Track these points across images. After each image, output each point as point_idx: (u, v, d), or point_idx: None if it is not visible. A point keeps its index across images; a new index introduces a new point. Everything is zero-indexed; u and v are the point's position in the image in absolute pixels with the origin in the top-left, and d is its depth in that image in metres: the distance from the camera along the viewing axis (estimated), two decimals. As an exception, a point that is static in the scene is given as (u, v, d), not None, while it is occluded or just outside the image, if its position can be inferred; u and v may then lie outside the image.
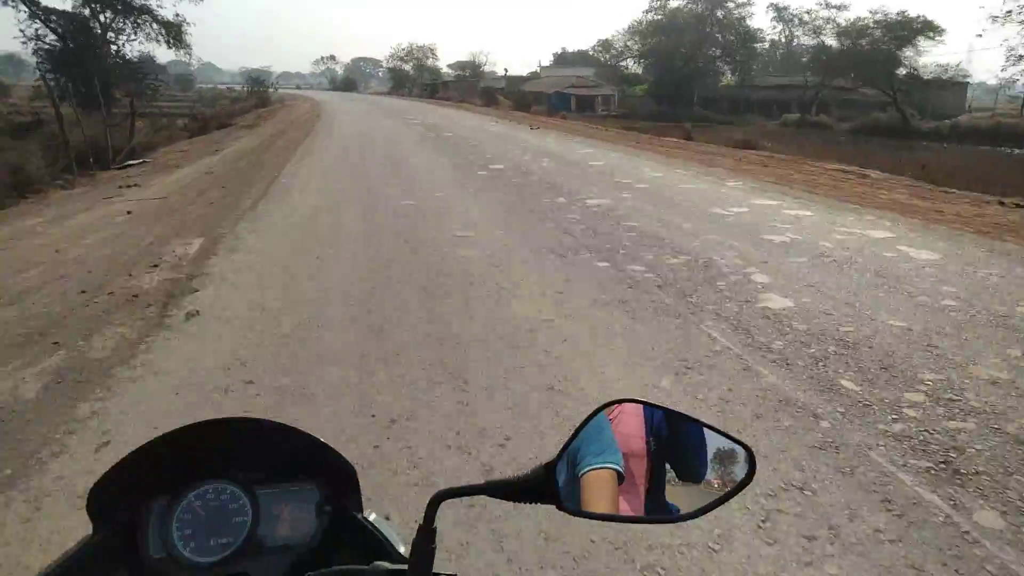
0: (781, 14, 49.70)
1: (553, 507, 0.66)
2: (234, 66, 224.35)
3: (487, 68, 66.96)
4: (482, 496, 0.64)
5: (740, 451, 0.66)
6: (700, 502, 0.64)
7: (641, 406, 0.69)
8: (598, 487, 0.65)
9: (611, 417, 0.69)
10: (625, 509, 0.65)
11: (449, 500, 0.64)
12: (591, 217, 7.57)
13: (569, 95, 56.52)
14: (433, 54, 74.41)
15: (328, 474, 0.73)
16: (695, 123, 42.95)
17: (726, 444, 0.67)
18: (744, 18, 49.27)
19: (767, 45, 48.85)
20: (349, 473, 0.73)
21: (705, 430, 0.68)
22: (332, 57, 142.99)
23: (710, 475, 0.66)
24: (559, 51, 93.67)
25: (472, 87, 58.77)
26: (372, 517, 0.74)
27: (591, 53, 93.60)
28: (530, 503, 0.66)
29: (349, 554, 0.71)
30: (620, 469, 0.66)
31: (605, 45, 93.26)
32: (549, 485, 0.65)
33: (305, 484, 0.73)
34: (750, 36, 48.08)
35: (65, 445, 2.70)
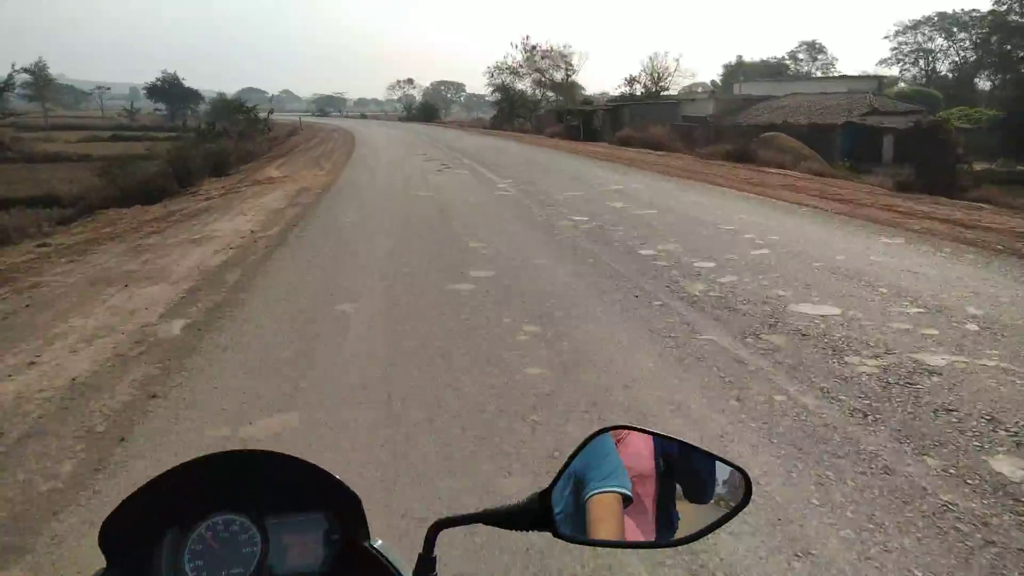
0: None
1: (550, 534, 0.67)
2: (310, 92, 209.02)
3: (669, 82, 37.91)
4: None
5: (737, 475, 0.69)
6: (702, 522, 0.67)
7: (647, 434, 0.71)
8: (603, 511, 0.66)
9: (618, 440, 0.70)
10: (631, 531, 0.66)
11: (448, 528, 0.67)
12: None
13: (876, 129, 26.50)
14: (568, 65, 45.85)
15: (335, 504, 0.74)
16: None
17: (725, 468, 0.70)
18: None
19: None
20: (355, 502, 0.74)
21: (705, 456, 0.70)
22: (410, 81, 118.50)
23: (712, 497, 0.69)
24: (732, 61, 64.04)
25: (656, 114, 29.91)
26: (379, 544, 0.73)
27: (787, 61, 63.42)
28: (527, 531, 0.68)
29: None
30: (627, 492, 0.66)
31: (811, 48, 62.98)
32: (545, 512, 0.67)
33: (313, 514, 0.73)
34: None
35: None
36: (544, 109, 46.07)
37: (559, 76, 45.71)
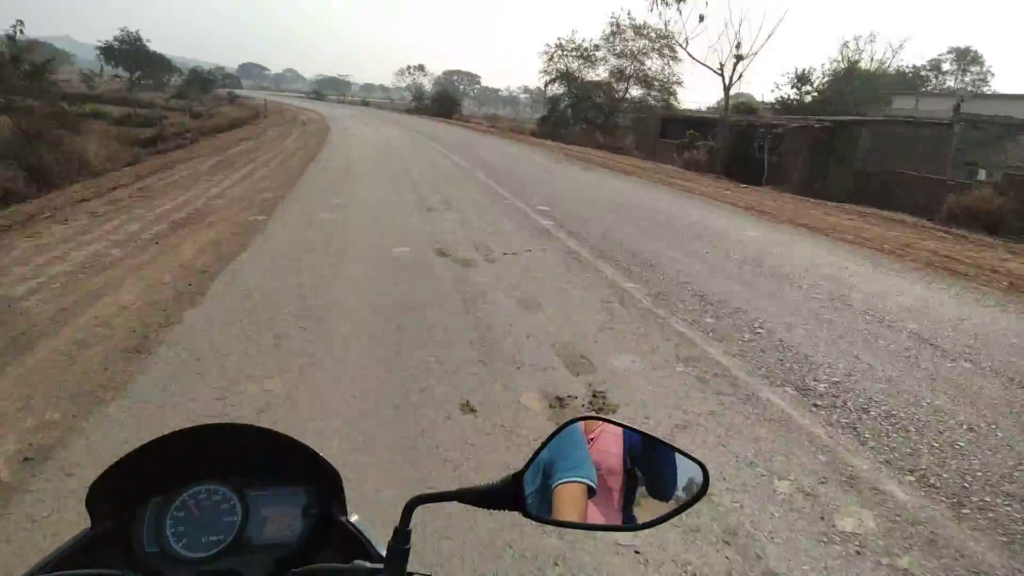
0: None
1: (519, 514, 0.70)
2: (314, 73, 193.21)
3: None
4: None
5: (697, 468, 0.71)
6: (662, 509, 0.70)
7: (617, 427, 0.74)
8: (569, 499, 0.69)
9: (591, 436, 0.73)
10: (594, 517, 0.70)
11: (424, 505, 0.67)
12: None
13: None
14: (661, 44, 30.17)
15: (315, 479, 0.76)
16: None
17: (686, 462, 0.72)
18: None
19: None
20: (334, 478, 0.76)
21: (667, 448, 0.73)
22: (420, 67, 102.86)
23: (674, 491, 0.72)
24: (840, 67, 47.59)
25: (915, 140, 14.79)
26: (354, 519, 0.75)
27: (926, 72, 47.93)
28: (499, 510, 0.70)
29: (332, 554, 0.74)
30: (592, 484, 0.70)
31: (961, 57, 47.27)
32: (517, 493, 0.69)
33: (293, 488, 0.76)
34: None
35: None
36: (628, 113, 30.72)
37: (660, 62, 30.01)
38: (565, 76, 32.03)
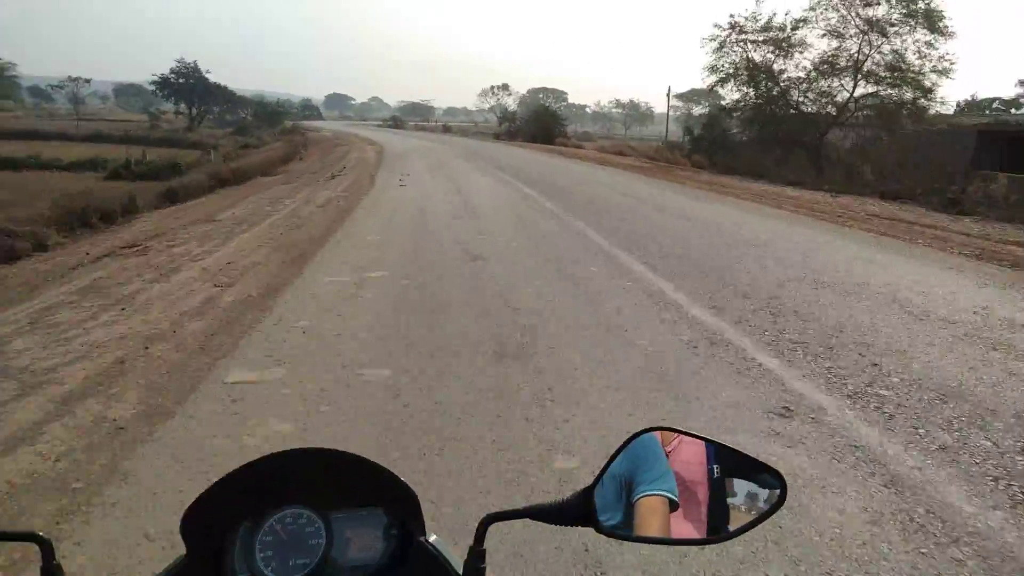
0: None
1: (592, 529, 0.71)
2: (397, 100, 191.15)
3: None
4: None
5: (774, 477, 0.72)
6: (742, 520, 0.70)
7: (694, 438, 0.73)
8: (651, 512, 0.69)
9: (668, 449, 0.73)
10: (676, 530, 0.69)
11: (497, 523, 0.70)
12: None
13: None
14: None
15: (394, 500, 0.78)
16: None
17: (761, 469, 0.72)
18: None
19: None
20: (413, 499, 0.78)
21: (744, 458, 0.73)
22: (504, 87, 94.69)
23: (754, 500, 0.71)
24: None
25: None
26: (433, 539, 0.77)
27: None
28: (572, 526, 0.72)
29: (412, 573, 0.77)
30: (674, 496, 0.69)
31: None
32: (588, 509, 0.71)
33: (374, 509, 0.78)
34: None
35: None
36: (858, 127, 18.74)
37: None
38: (749, 69, 20.39)
